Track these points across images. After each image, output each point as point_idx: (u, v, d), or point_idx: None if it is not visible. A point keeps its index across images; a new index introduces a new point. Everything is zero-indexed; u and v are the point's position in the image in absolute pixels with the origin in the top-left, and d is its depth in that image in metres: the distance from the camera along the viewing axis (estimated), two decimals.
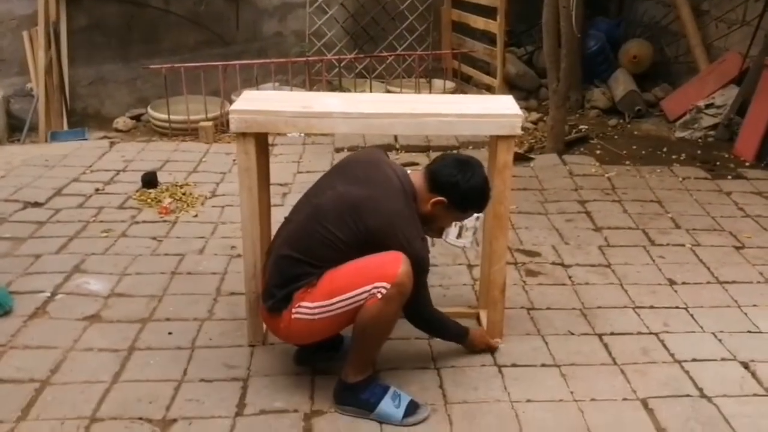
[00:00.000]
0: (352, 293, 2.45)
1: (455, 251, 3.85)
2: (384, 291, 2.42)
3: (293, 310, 2.53)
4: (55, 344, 2.98)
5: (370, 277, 2.43)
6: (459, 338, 2.92)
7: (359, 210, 2.50)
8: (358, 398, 2.59)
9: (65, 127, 6.15)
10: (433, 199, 2.61)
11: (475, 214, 2.86)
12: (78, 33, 6.28)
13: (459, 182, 2.59)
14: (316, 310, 2.49)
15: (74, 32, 6.25)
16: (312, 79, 6.50)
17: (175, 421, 2.56)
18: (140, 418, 2.57)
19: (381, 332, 2.56)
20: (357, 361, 2.60)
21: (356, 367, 2.60)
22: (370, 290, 2.42)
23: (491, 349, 2.98)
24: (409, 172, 2.70)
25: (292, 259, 2.55)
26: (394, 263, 2.43)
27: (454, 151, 4.33)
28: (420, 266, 2.53)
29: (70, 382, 2.76)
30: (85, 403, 2.63)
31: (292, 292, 2.54)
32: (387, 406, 2.57)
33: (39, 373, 2.80)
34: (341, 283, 2.47)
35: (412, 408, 2.60)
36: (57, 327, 3.08)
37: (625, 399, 2.72)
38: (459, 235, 2.93)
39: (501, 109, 2.89)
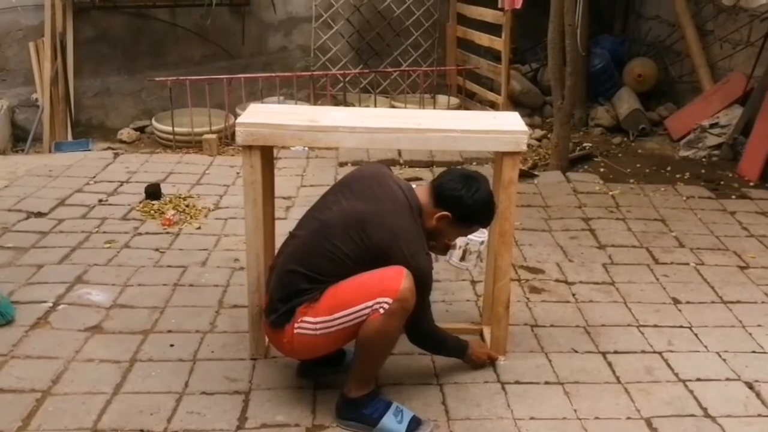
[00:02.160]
0: (354, 308, 2.44)
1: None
2: (387, 306, 2.41)
3: (296, 325, 2.52)
4: (56, 355, 2.96)
5: (373, 293, 2.43)
6: (459, 353, 2.91)
7: (365, 225, 2.50)
8: (360, 413, 2.58)
9: (70, 137, 6.16)
10: (438, 214, 2.60)
11: (480, 239, 2.84)
12: (84, 44, 6.31)
13: (463, 196, 2.59)
14: (319, 326, 2.49)
15: (80, 44, 6.28)
16: (317, 93, 6.52)
17: None
18: (141, 430, 2.55)
19: (384, 347, 2.55)
20: (359, 376, 2.59)
21: (359, 382, 2.59)
22: (373, 306, 2.42)
23: (492, 360, 2.97)
24: (414, 186, 2.70)
25: (297, 274, 2.55)
26: (397, 278, 2.43)
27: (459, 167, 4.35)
28: (423, 282, 2.52)
29: (71, 392, 2.74)
30: (86, 414, 2.62)
31: (295, 307, 2.53)
32: (389, 421, 2.56)
33: (40, 383, 2.79)
34: (344, 298, 2.47)
35: (415, 424, 2.58)
36: (58, 337, 3.07)
37: (629, 418, 2.71)
38: (462, 258, 2.88)
39: (506, 126, 2.89)
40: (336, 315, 2.46)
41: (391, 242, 2.48)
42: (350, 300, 2.45)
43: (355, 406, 2.59)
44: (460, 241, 2.84)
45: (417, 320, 2.59)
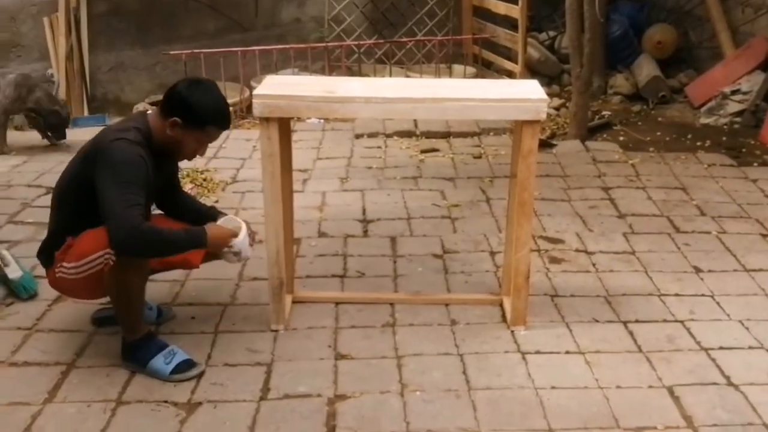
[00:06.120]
0: (90, 257, 2.54)
1: (477, 238, 3.84)
2: (114, 258, 2.50)
3: (56, 269, 2.66)
4: (80, 328, 3.00)
5: (103, 243, 2.50)
6: (197, 241, 2.63)
7: (87, 144, 2.64)
8: (134, 354, 2.73)
9: (86, 112, 6.18)
10: (169, 121, 2.61)
11: (236, 241, 2.72)
12: (98, 19, 6.29)
13: (186, 96, 2.61)
14: (72, 270, 2.60)
15: (94, 18, 6.26)
16: (331, 64, 6.48)
17: (200, 404, 2.57)
18: (165, 401, 2.58)
19: (123, 297, 2.64)
20: (122, 322, 2.73)
21: (125, 327, 2.73)
22: (103, 255, 2.51)
23: (234, 237, 2.74)
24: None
25: (53, 219, 2.73)
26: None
27: None
28: (124, 159, 2.49)
29: (95, 365, 2.78)
30: (110, 386, 2.65)
31: (52, 251, 2.67)
32: (157, 362, 2.69)
33: (64, 356, 2.82)
34: (85, 246, 2.56)
35: (185, 365, 2.71)
36: (81, 311, 3.08)
37: (650, 386, 2.70)
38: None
39: (526, 94, 2.85)
40: (81, 261, 2.57)
41: (100, 142, 2.56)
42: (88, 248, 2.55)
43: (130, 348, 2.73)
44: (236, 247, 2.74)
45: (115, 212, 2.45)
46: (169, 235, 2.57)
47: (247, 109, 5.72)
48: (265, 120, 2.75)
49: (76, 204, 2.63)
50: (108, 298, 2.78)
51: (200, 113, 2.63)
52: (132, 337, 2.73)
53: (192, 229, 2.68)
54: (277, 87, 2.89)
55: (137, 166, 2.51)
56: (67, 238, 2.64)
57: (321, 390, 2.65)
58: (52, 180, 4.44)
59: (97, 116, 6.09)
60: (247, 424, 2.49)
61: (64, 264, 2.63)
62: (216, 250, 2.75)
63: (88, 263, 2.56)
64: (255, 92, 2.78)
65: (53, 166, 4.74)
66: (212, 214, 2.95)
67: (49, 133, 5.23)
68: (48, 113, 5.15)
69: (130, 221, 2.42)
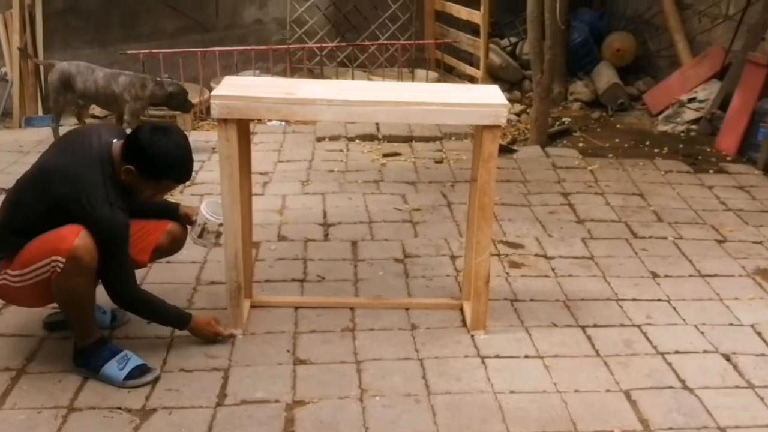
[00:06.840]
0: (36, 265, 2.48)
1: (438, 242, 3.84)
2: (60, 265, 2.44)
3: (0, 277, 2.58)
4: (30, 332, 2.92)
5: (48, 250, 2.46)
6: (180, 323, 2.83)
7: (50, 177, 2.53)
8: (86, 360, 2.66)
9: (40, 112, 6.03)
10: (124, 168, 2.54)
11: (218, 220, 2.85)
12: (54, 17, 6.15)
13: (144, 147, 2.52)
14: (16, 278, 2.54)
15: (50, 16, 6.12)
16: (293, 67, 6.44)
17: (154, 410, 2.52)
18: (119, 408, 2.52)
19: (72, 304, 2.58)
20: (73, 328, 2.68)
21: (76, 333, 2.68)
22: (50, 263, 2.46)
23: (221, 337, 2.89)
24: (115, 141, 2.62)
25: (1, 228, 2.61)
26: (71, 236, 2.45)
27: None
28: (112, 234, 2.50)
29: (46, 371, 2.70)
30: (62, 393, 2.58)
31: None
32: (110, 368, 2.63)
33: (14, 362, 2.74)
34: (30, 254, 2.50)
35: (138, 372, 2.65)
36: (32, 315, 3.00)
37: (608, 390, 2.72)
38: (200, 235, 2.92)
39: (486, 99, 2.86)
40: (26, 270, 2.51)
41: (71, 194, 2.48)
42: (34, 256, 2.49)
43: (82, 354, 2.67)
44: (200, 218, 2.89)
45: (112, 281, 2.61)
46: (160, 309, 2.76)
47: (207, 110, 5.64)
48: (224, 121, 2.71)
49: (32, 222, 2.52)
50: (55, 304, 2.71)
51: (157, 166, 2.55)
52: (84, 342, 2.66)
53: (182, 314, 2.83)
54: (235, 88, 2.85)
55: (125, 231, 2.55)
56: (15, 248, 2.54)
57: (279, 395, 2.61)
58: (3, 181, 4.35)
59: (52, 116, 5.94)
60: (202, 430, 2.44)
61: (8, 272, 2.54)
62: (198, 338, 2.87)
63: (34, 271, 2.49)
64: (213, 93, 2.74)
65: (5, 167, 4.64)
66: (171, 206, 3.00)
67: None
68: (164, 100, 5.11)
69: (131, 293, 2.65)
